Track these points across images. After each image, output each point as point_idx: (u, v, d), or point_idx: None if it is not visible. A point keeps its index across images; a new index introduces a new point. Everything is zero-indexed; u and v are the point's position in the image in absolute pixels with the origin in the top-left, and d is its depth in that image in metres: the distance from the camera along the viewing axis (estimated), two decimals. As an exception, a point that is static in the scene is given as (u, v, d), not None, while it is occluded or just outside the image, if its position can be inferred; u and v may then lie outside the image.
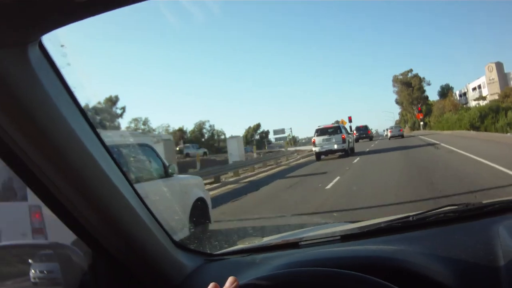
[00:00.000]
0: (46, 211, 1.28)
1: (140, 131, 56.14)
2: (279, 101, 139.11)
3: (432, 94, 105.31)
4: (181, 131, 69.44)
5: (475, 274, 1.19)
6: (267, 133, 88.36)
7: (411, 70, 79.43)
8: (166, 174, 6.77)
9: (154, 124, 71.61)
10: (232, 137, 33.29)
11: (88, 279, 1.50)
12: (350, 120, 49.92)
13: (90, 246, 1.35)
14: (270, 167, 24.39)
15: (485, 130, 35.25)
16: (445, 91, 74.81)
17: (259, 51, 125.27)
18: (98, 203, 1.18)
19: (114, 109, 55.93)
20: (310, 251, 1.61)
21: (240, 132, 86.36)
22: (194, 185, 7.63)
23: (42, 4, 0.76)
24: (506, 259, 1.19)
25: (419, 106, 72.01)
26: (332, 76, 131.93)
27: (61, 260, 1.65)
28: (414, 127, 75.36)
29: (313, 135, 26.34)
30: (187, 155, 45.03)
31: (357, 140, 46.05)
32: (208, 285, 0.95)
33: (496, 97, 50.60)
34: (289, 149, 47.35)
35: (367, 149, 29.93)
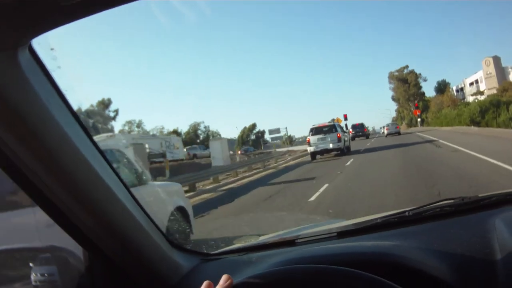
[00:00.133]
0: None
1: (136, 133, 55.52)
2: (274, 101, 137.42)
3: (429, 90, 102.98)
4: (175, 132, 67.88)
5: (472, 267, 1.19)
6: (262, 133, 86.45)
7: (407, 66, 77.76)
8: (139, 181, 6.11)
9: (148, 126, 69.92)
10: (215, 139, 31.03)
11: (85, 281, 1.47)
12: (345, 118, 48.19)
13: (86, 248, 1.35)
14: (256, 171, 22.08)
15: (486, 125, 33.34)
16: (442, 87, 73.21)
17: (252, 51, 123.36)
18: (93, 205, 1.17)
19: (107, 112, 55.13)
20: (307, 249, 1.61)
21: (236, 133, 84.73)
22: (173, 193, 6.96)
23: (31, 8, 0.76)
24: (502, 252, 1.18)
25: (416, 102, 69.91)
26: (328, 74, 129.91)
27: (59, 263, 1.61)
28: (411, 123, 73.58)
29: (308, 134, 25.26)
30: (195, 156, 44.28)
31: (353, 138, 44.78)
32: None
33: (494, 91, 49.09)
34: (281, 149, 44.78)
35: (363, 148, 27.99)
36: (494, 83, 54.61)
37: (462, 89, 69.02)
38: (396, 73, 78.12)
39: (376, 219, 1.69)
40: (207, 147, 58.95)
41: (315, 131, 24.44)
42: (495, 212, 1.50)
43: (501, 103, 35.55)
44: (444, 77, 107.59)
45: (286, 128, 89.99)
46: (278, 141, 78.69)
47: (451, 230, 1.44)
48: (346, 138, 26.03)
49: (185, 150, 45.91)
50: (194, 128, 75.32)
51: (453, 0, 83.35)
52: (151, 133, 61.27)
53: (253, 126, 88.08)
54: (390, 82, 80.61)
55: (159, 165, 28.10)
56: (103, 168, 1.18)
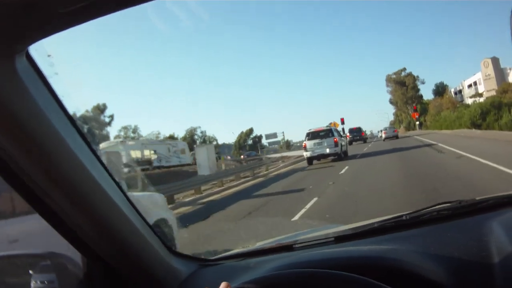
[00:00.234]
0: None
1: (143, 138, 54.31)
2: (272, 105, 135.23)
3: (426, 93, 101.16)
4: (172, 137, 66.34)
5: (469, 271, 1.18)
6: (260, 137, 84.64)
7: (404, 69, 76.00)
8: None
9: (144, 131, 68.56)
10: (200, 145, 29.25)
11: (84, 287, 1.46)
12: (342, 122, 46.36)
13: (85, 255, 1.34)
14: (244, 179, 20.33)
15: (487, 128, 31.65)
16: (440, 89, 71.68)
17: (249, 55, 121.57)
18: (91, 211, 1.17)
19: (102, 117, 54.10)
20: (304, 253, 1.60)
21: (232, 138, 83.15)
22: (153, 205, 6.37)
23: (28, 15, 0.77)
24: (499, 256, 1.18)
25: (414, 105, 68.25)
26: (325, 78, 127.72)
27: (58, 270, 1.59)
28: (409, 127, 71.90)
29: (304, 139, 24.50)
30: None
31: (350, 142, 43.19)
32: None
33: (493, 93, 47.14)
34: (274, 155, 42.91)
35: (360, 153, 26.37)
36: (493, 84, 53.08)
37: (460, 91, 67.54)
38: (394, 76, 76.41)
39: (373, 223, 1.68)
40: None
41: (312, 135, 23.60)
42: (492, 215, 1.50)
43: (502, 105, 33.96)
44: (442, 79, 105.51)
45: (283, 132, 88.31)
46: (276, 145, 77.53)
47: (448, 233, 1.44)
48: (343, 143, 25.09)
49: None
50: (191, 133, 73.94)
51: (450, 0, 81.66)
52: (150, 138, 59.35)
53: (250, 130, 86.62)
54: (387, 85, 78.89)
55: (157, 172, 26.67)
56: (100, 174, 1.17)
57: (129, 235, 1.30)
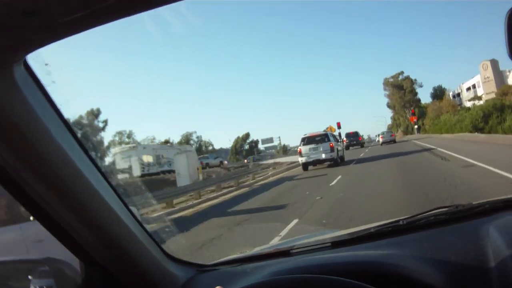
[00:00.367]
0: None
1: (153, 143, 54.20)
2: (268, 110, 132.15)
3: (424, 96, 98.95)
4: (167, 142, 64.16)
5: (466, 275, 1.18)
6: (256, 142, 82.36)
7: (402, 72, 74.02)
8: None
9: (139, 137, 66.44)
10: (180, 152, 26.83)
11: None
12: (339, 126, 44.65)
13: (83, 260, 1.33)
14: (226, 190, 18.02)
15: (490, 132, 29.58)
16: (438, 93, 69.54)
17: (244, 60, 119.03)
18: (88, 217, 1.17)
19: (96, 122, 52.27)
20: (301, 259, 1.58)
21: (229, 143, 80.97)
22: None
23: (26, 24, 0.77)
24: (496, 260, 1.17)
25: (412, 108, 66.06)
26: (322, 82, 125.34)
27: (56, 276, 1.60)
28: (407, 131, 69.86)
29: (299, 144, 23.54)
30: (207, 165, 42.73)
31: (347, 147, 42.00)
32: None
33: (493, 96, 45.26)
34: (266, 161, 40.47)
35: (356, 159, 24.38)
36: (492, 87, 50.75)
37: (459, 94, 65.40)
38: (391, 80, 74.48)
39: (370, 228, 1.67)
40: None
41: (307, 140, 22.75)
42: (489, 219, 1.48)
43: (505, 107, 31.88)
44: (440, 83, 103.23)
45: (279, 137, 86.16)
46: (273, 150, 75.36)
47: (445, 238, 1.43)
48: (339, 148, 24.15)
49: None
50: (186, 138, 71.65)
51: (448, 1, 79.63)
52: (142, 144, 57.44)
53: (247, 135, 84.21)
54: (385, 89, 77.03)
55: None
56: (98, 180, 1.17)
57: (127, 240, 1.29)
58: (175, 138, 72.91)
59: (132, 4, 0.82)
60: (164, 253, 1.52)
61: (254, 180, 20.86)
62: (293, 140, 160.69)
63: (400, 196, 8.96)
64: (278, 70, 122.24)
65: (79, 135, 1.15)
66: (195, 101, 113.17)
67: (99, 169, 1.20)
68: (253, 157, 60.54)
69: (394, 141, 41.43)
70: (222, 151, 77.92)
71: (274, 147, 76.09)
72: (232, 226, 9.13)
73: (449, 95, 66.25)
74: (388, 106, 79.94)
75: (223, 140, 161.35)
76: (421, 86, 73.18)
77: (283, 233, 7.33)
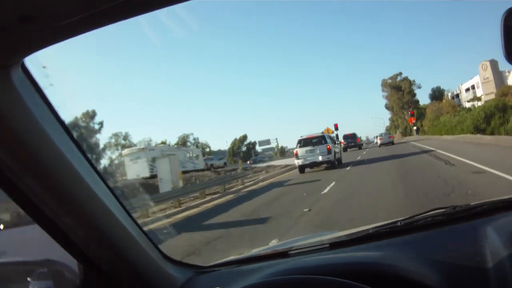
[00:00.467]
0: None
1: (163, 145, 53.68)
2: (266, 112, 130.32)
3: (423, 97, 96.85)
4: (163, 144, 62.57)
5: (463, 276, 1.17)
6: (254, 144, 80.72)
7: (400, 73, 72.14)
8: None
9: (135, 138, 64.89)
10: (162, 155, 25.17)
11: None
12: (336, 128, 42.83)
13: (81, 262, 1.32)
14: (210, 197, 16.28)
15: (492, 133, 27.84)
16: (437, 94, 67.98)
17: (241, 61, 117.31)
18: (86, 219, 1.16)
19: (91, 124, 51.00)
20: (299, 260, 1.58)
21: (226, 145, 79.37)
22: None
23: (24, 28, 0.77)
24: (494, 260, 1.16)
25: (411, 109, 64.35)
26: (320, 84, 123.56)
27: (55, 277, 1.59)
28: (406, 132, 68.15)
29: (295, 146, 22.76)
30: (212, 166, 43.58)
31: (345, 149, 40.50)
32: None
33: (492, 96, 43.65)
34: (260, 165, 38.63)
35: (353, 162, 22.95)
36: (492, 88, 49.39)
37: (457, 95, 63.82)
38: (389, 81, 72.69)
39: (368, 229, 1.66)
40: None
41: (303, 142, 21.84)
42: (487, 220, 1.47)
43: (507, 108, 30.23)
44: (439, 84, 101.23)
45: (276, 139, 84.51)
46: (271, 152, 73.96)
47: (442, 239, 1.44)
48: (336, 150, 23.19)
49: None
50: (183, 140, 70.15)
51: (446, 1, 78.05)
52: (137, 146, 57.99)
53: (244, 137, 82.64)
54: (383, 90, 75.20)
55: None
56: (96, 182, 1.17)
57: (125, 242, 1.28)
58: (172, 140, 71.81)
59: (128, 8, 0.81)
60: (162, 255, 1.49)
61: (242, 186, 19.13)
62: (291, 141, 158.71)
63: (402, 211, 7.29)
64: (275, 72, 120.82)
65: (75, 137, 1.11)
66: (192, 103, 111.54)
67: (97, 171, 1.18)
68: (256, 158, 59.47)
69: (392, 143, 40.46)
70: (220, 152, 76.31)
71: (271, 149, 74.97)
72: (201, 245, 7.50)
73: (448, 96, 64.75)
74: (386, 107, 78.25)
75: (220, 142, 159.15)
76: (419, 87, 71.64)
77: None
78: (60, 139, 1.04)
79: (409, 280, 1.19)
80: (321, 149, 21.12)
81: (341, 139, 42.69)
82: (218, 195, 16.47)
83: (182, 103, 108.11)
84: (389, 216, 6.54)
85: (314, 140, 21.72)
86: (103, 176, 1.22)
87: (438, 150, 19.53)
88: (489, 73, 51.50)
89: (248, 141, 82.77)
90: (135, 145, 60.89)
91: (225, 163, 48.60)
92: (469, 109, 37.95)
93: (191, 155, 40.97)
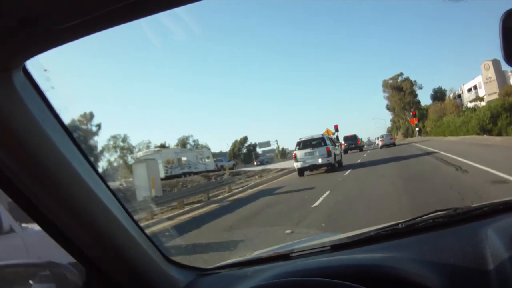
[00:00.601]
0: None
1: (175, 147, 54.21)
2: (266, 113, 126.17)
3: (424, 98, 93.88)
4: (163, 146, 60.87)
5: (465, 278, 1.16)
6: (254, 146, 78.50)
7: (401, 74, 69.55)
8: None
9: (134, 141, 63.07)
10: (138, 160, 23.28)
11: None
12: (336, 129, 40.65)
13: (83, 264, 1.31)
14: (190, 206, 14.24)
15: (499, 133, 25.90)
16: (438, 94, 65.85)
17: (243, 64, 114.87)
18: (88, 221, 1.15)
19: (89, 126, 49.36)
20: (300, 262, 1.57)
21: (226, 147, 77.37)
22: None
23: (25, 31, 0.77)
24: (495, 262, 1.15)
25: (413, 110, 62.13)
26: (320, 85, 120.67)
27: (57, 279, 1.58)
28: (408, 133, 65.90)
29: (294, 148, 21.56)
30: (221, 167, 42.44)
31: (345, 151, 38.74)
32: None
33: (495, 96, 41.83)
34: (254, 168, 36.44)
35: (353, 165, 21.00)
36: (495, 88, 47.54)
37: (459, 96, 61.71)
38: (390, 81, 70.15)
39: (369, 231, 1.64)
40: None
41: (303, 145, 20.79)
42: (488, 222, 1.45)
43: (515, 107, 28.25)
44: (440, 84, 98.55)
45: (276, 141, 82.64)
46: (271, 154, 71.94)
47: (444, 241, 1.41)
48: (337, 152, 21.99)
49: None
50: (183, 142, 68.13)
51: (445, 1, 75.86)
52: (136, 148, 58.77)
53: (245, 139, 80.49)
54: (384, 91, 72.62)
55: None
56: (98, 185, 1.16)
57: (127, 244, 1.26)
58: (172, 142, 69.77)
59: (128, 11, 0.80)
60: (164, 257, 1.48)
61: (229, 193, 17.00)
62: (291, 143, 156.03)
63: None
64: (276, 73, 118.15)
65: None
66: (192, 104, 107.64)
67: (98, 173, 1.17)
68: (263, 159, 57.88)
69: (393, 144, 38.71)
70: (220, 154, 74.53)
71: (272, 150, 72.94)
72: None
73: (449, 96, 62.70)
74: (388, 108, 75.52)
75: (220, 143, 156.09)
76: (421, 87, 69.04)
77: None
78: (61, 141, 1.03)
79: (410, 282, 1.18)
80: (321, 151, 20.07)
81: (341, 140, 40.88)
82: (199, 204, 14.39)
83: (182, 105, 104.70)
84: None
85: (313, 142, 20.58)
86: (105, 178, 1.20)
87: (444, 153, 17.46)
88: (491, 73, 49.74)
89: (248, 143, 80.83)
90: (133, 147, 60.21)
91: (234, 164, 48.72)
92: (474, 109, 35.80)
93: (202, 156, 41.59)
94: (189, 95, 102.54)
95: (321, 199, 10.74)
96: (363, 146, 50.27)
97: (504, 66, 49.30)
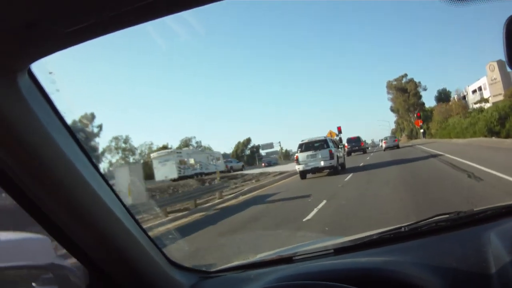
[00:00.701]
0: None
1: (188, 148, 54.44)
2: (270, 115, 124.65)
3: (428, 100, 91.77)
4: (165, 148, 59.72)
5: (467, 281, 1.15)
6: (257, 147, 77.23)
7: (405, 75, 67.88)
8: None
9: (136, 142, 61.95)
10: (120, 166, 22.06)
11: None
12: (339, 131, 39.44)
13: (86, 266, 1.29)
14: (173, 215, 12.84)
15: (508, 135, 24.47)
16: (443, 96, 64.24)
17: (246, 65, 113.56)
18: (92, 223, 1.14)
19: (90, 127, 48.61)
20: (303, 265, 1.55)
21: (229, 149, 75.91)
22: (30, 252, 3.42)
23: (30, 34, 0.77)
24: (497, 266, 1.14)
25: (417, 111, 60.45)
26: (324, 86, 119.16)
27: (60, 281, 1.53)
28: (412, 135, 64.29)
29: (296, 150, 20.89)
30: (231, 168, 44.44)
31: (349, 153, 37.96)
32: None
33: (501, 98, 40.30)
34: (252, 171, 34.92)
35: (354, 169, 19.78)
36: (500, 89, 46.01)
37: (464, 97, 60.04)
38: (395, 82, 68.57)
39: (372, 235, 1.63)
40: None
41: (305, 147, 20.00)
42: (490, 226, 1.44)
43: (524, 108, 26.61)
44: (444, 85, 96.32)
45: (279, 142, 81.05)
46: (275, 155, 70.65)
47: (446, 244, 1.40)
48: (339, 154, 21.35)
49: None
50: (185, 144, 66.83)
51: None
52: (138, 150, 59.89)
53: (248, 141, 79.17)
54: (388, 92, 71.02)
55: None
56: (102, 188, 1.15)
57: (130, 246, 1.24)
58: (174, 143, 68.79)
59: (133, 16, 0.80)
60: (167, 260, 1.46)
61: (220, 199, 15.46)
62: (295, 145, 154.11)
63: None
64: (280, 74, 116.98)
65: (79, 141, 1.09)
66: (194, 106, 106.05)
67: (102, 176, 1.16)
68: (270, 160, 56.95)
69: (397, 146, 37.86)
70: (224, 156, 73.42)
71: (275, 152, 71.72)
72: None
73: (454, 98, 61.07)
74: (392, 110, 73.97)
75: (223, 145, 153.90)
76: (425, 89, 67.48)
77: None
78: (66, 143, 1.02)
79: (413, 285, 1.16)
80: (323, 154, 19.25)
81: (345, 142, 39.73)
82: (184, 213, 12.94)
83: (184, 106, 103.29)
84: None
85: (316, 145, 19.88)
86: (109, 181, 1.18)
87: (452, 156, 15.92)
88: (496, 74, 48.13)
89: (251, 144, 79.46)
90: (135, 148, 59.48)
91: (243, 166, 50.22)
92: (481, 110, 34.13)
93: (213, 157, 42.24)
94: (192, 97, 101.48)
95: (316, 210, 9.30)
96: (367, 148, 49.09)
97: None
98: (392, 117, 79.90)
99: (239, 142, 78.39)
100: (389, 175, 14.11)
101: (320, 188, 14.13)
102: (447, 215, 1.60)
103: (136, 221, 1.30)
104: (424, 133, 55.14)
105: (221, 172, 35.69)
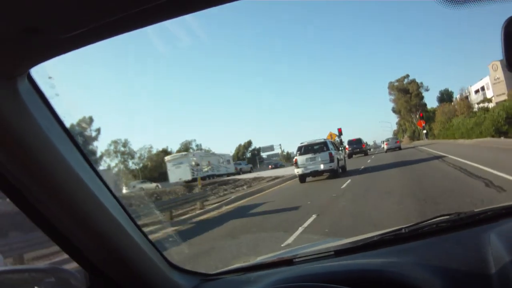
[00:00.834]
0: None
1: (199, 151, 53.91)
2: (270, 117, 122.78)
3: (430, 101, 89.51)
4: (165, 151, 58.24)
5: (467, 282, 1.13)
6: (258, 150, 75.52)
7: (407, 76, 66.21)
8: None
9: (135, 145, 60.36)
10: (102, 171, 20.60)
11: None
12: (340, 132, 37.88)
13: (87, 269, 1.28)
14: (146, 229, 10.80)
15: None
16: (445, 96, 62.38)
17: (247, 66, 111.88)
18: (93, 227, 1.13)
19: (88, 131, 47.61)
20: (304, 267, 1.53)
21: (230, 150, 74.12)
22: None
23: (30, 39, 0.77)
24: (497, 266, 1.13)
25: (420, 112, 58.55)
26: (324, 87, 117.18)
27: (61, 285, 1.55)
28: (414, 136, 62.35)
29: (296, 153, 19.92)
30: (241, 170, 44.61)
31: (350, 155, 36.58)
32: None
33: (504, 97, 39.03)
34: (245, 176, 33.11)
35: (353, 173, 18.24)
36: (503, 88, 44.55)
37: (467, 97, 58.10)
38: (396, 83, 66.97)
39: (373, 236, 1.60)
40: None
41: (304, 150, 19.07)
42: (490, 226, 1.41)
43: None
44: (447, 86, 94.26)
45: (280, 145, 79.61)
46: (276, 158, 68.99)
47: (447, 245, 1.38)
48: (340, 157, 20.39)
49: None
50: (186, 147, 65.32)
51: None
52: (137, 154, 59.41)
53: (249, 143, 77.57)
54: (390, 93, 69.58)
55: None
56: (102, 191, 1.14)
57: (130, 249, 1.23)
58: (174, 147, 67.28)
59: (133, 21, 0.79)
60: (167, 262, 1.45)
61: (201, 210, 13.61)
62: (295, 147, 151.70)
63: None
64: (280, 75, 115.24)
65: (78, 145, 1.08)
66: (194, 109, 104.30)
67: (102, 180, 1.15)
68: (278, 163, 55.71)
69: (399, 148, 36.75)
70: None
71: (276, 155, 70.04)
72: None
73: (456, 98, 59.28)
74: (394, 111, 72.46)
75: (223, 147, 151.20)
76: (427, 89, 65.93)
77: None
78: (66, 148, 1.01)
79: (413, 286, 1.15)
80: (323, 156, 18.30)
81: (345, 144, 38.34)
82: (156, 227, 11.08)
83: (184, 109, 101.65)
84: None
85: (315, 147, 18.88)
86: (108, 185, 1.17)
87: (463, 160, 13.98)
88: (500, 74, 46.40)
89: (252, 147, 77.78)
90: (135, 152, 58.25)
91: (251, 168, 50.83)
92: (487, 109, 32.11)
93: (224, 160, 42.89)
94: (191, 100, 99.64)
95: (300, 229, 7.43)
96: (369, 149, 47.43)
97: (512, 68, 46.20)
98: (394, 118, 78.34)
99: (240, 145, 76.99)
100: (391, 182, 12.10)
101: (313, 196, 12.30)
102: (448, 216, 1.58)
103: (136, 224, 1.28)
104: (426, 134, 53.39)
105: (232, 174, 37.16)
